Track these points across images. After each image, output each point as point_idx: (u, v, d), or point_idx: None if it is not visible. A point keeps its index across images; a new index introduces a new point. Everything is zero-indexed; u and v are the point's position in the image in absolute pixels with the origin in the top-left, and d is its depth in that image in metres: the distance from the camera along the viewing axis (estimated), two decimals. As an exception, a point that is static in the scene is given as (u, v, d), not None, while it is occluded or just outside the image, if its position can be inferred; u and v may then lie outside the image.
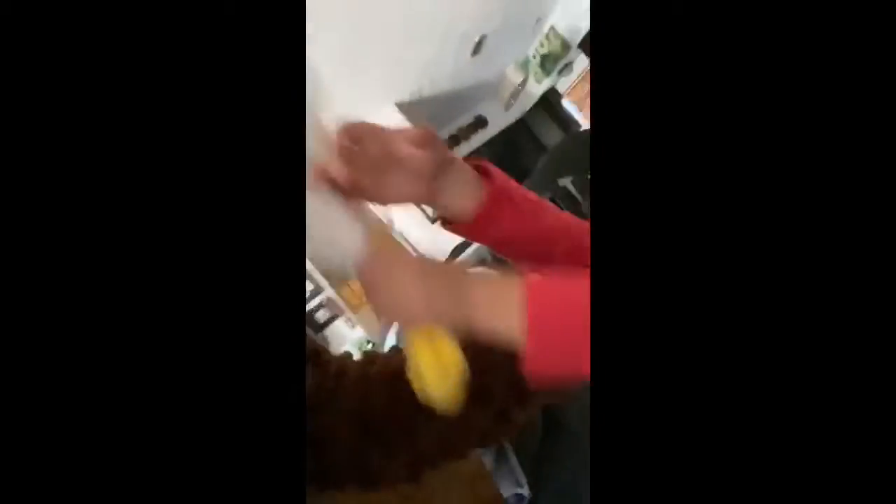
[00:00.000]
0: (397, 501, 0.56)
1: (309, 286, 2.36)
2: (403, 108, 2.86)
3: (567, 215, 0.50)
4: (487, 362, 0.45)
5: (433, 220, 2.58)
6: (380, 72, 2.53)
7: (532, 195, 0.49)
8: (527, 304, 0.36)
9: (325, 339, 2.44)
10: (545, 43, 3.04)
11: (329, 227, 0.41)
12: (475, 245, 2.19)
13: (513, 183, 0.48)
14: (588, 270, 0.30)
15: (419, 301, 0.40)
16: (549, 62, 3.05)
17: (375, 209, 0.47)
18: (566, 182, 1.73)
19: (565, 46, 3.00)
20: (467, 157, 0.48)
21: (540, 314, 0.36)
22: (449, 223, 0.48)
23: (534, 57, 3.14)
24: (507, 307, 0.37)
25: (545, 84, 3.24)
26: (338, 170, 0.41)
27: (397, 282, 0.40)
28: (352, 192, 0.42)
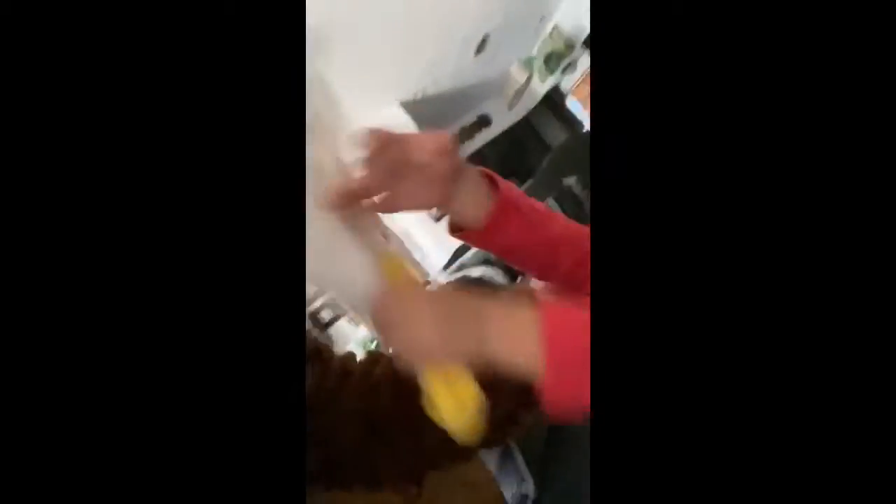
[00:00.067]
0: (402, 504, 0.56)
1: (313, 286, 2.35)
2: (409, 107, 2.85)
3: (574, 224, 0.50)
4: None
5: (437, 219, 2.58)
6: (384, 71, 2.53)
7: (539, 204, 0.49)
8: (545, 336, 0.36)
9: (329, 338, 2.44)
10: (549, 41, 3.03)
11: (341, 262, 0.41)
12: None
13: (519, 192, 0.48)
14: None
15: (434, 340, 0.39)
16: (552, 61, 3.04)
17: (384, 218, 0.46)
18: (570, 182, 1.73)
19: (569, 45, 2.99)
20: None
21: (557, 346, 0.36)
22: (458, 230, 0.48)
23: (537, 55, 3.13)
24: (524, 340, 0.37)
25: (549, 83, 3.22)
26: (355, 179, 0.41)
27: (412, 321, 0.40)
28: (367, 201, 0.42)
